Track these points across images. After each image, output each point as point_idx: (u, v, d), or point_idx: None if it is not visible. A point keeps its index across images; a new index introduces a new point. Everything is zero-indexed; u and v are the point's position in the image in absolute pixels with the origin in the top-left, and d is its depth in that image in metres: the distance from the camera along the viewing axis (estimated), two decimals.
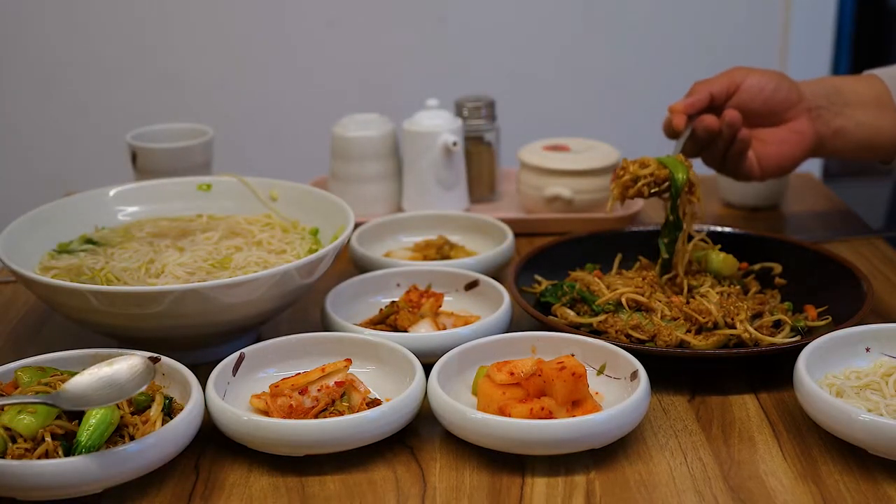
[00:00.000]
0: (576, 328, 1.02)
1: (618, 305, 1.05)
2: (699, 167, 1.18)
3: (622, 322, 1.02)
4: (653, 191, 1.09)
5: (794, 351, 0.95)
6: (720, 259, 1.11)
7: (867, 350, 0.94)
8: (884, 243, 1.30)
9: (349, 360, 0.92)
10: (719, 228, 1.21)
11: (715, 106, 1.16)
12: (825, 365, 0.92)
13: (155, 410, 0.86)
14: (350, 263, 1.20)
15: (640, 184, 1.08)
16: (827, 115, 1.17)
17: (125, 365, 0.82)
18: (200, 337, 1.00)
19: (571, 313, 1.06)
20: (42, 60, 2.37)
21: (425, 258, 1.22)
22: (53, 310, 1.03)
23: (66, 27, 2.35)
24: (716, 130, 1.14)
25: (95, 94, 2.38)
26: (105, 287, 0.95)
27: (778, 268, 1.15)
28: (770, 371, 0.99)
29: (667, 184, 1.08)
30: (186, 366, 0.91)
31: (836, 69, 2.62)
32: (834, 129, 1.17)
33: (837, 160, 1.28)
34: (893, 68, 1.20)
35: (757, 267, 1.16)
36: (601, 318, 1.04)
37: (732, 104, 1.16)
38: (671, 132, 1.17)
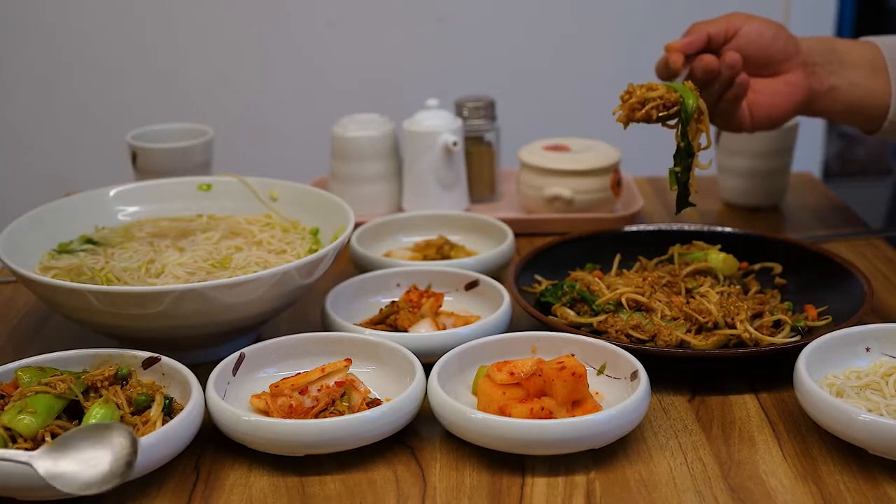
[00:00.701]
0: (576, 328, 1.02)
1: (618, 305, 1.05)
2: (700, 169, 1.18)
3: (622, 322, 1.02)
4: (661, 114, 1.06)
5: (794, 351, 0.95)
6: (720, 259, 1.11)
7: (867, 350, 0.94)
8: (884, 243, 1.30)
9: (349, 360, 0.92)
10: (719, 228, 1.21)
11: (712, 49, 1.14)
12: (825, 365, 0.92)
13: (155, 411, 0.86)
14: (350, 263, 1.20)
15: (648, 106, 1.05)
16: (822, 71, 1.16)
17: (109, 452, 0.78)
18: (201, 337, 1.00)
19: (571, 313, 1.06)
20: (42, 60, 2.37)
21: (425, 258, 1.22)
22: (53, 310, 1.03)
23: (66, 27, 2.35)
24: (715, 71, 1.12)
25: (95, 94, 2.38)
26: (105, 287, 0.95)
27: (778, 268, 1.15)
28: (770, 371, 0.99)
29: (676, 107, 1.05)
30: (187, 366, 0.91)
31: None
32: (827, 87, 1.16)
33: (827, 121, 1.25)
34: (890, 37, 1.19)
35: (757, 267, 1.16)
36: (601, 318, 1.04)
37: (730, 48, 1.14)
38: (666, 72, 1.14)
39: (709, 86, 1.14)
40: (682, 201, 1.09)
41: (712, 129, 1.41)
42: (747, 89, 1.14)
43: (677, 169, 1.07)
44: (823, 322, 1.03)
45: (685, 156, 1.07)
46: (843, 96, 1.16)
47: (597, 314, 1.04)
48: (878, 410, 0.86)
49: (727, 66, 1.12)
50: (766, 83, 1.16)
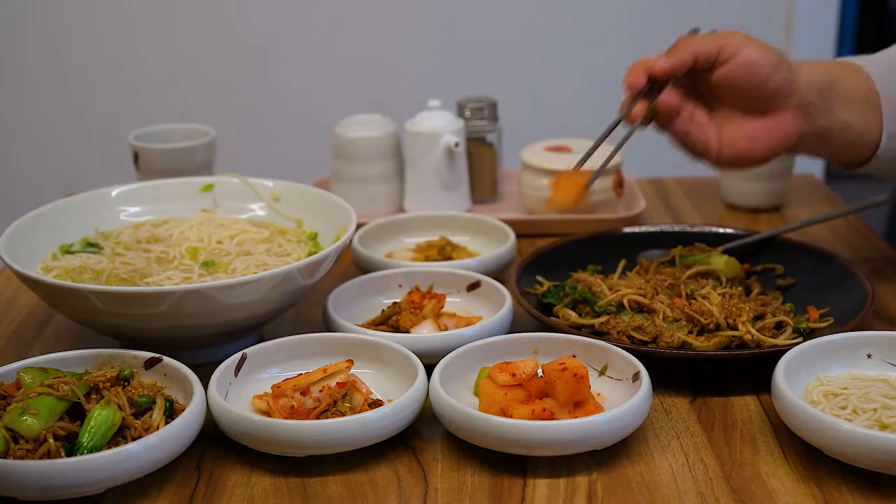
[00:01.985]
0: (577, 329, 1.02)
1: (619, 307, 1.05)
2: (702, 170, 1.18)
3: (624, 323, 1.02)
4: None
5: None
6: (722, 262, 1.11)
7: (868, 356, 0.94)
8: (886, 245, 1.30)
9: (351, 361, 0.92)
10: (721, 229, 1.21)
11: (697, 69, 1.01)
12: (818, 368, 0.92)
13: (157, 413, 0.86)
14: (352, 264, 1.20)
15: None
16: (815, 112, 1.02)
17: None
18: (203, 337, 1.00)
19: (573, 314, 1.06)
20: (44, 60, 2.38)
21: (427, 259, 1.22)
22: (55, 309, 1.03)
23: (68, 27, 2.35)
24: (675, 112, 1.02)
25: (97, 94, 2.38)
26: (107, 287, 0.95)
27: (780, 269, 1.15)
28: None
29: None
30: (188, 366, 0.91)
31: None
32: (817, 129, 1.03)
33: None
34: (886, 55, 1.08)
35: (759, 268, 1.16)
36: (603, 319, 1.04)
37: (719, 75, 1.00)
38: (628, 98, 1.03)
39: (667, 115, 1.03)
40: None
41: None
42: (671, 116, 1.02)
43: None
44: (825, 324, 1.03)
45: None
46: (834, 138, 1.05)
47: (598, 315, 1.04)
48: (846, 417, 0.86)
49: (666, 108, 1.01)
50: (748, 122, 1.02)
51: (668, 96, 1.02)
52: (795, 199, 1.46)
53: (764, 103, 1.01)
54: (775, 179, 1.41)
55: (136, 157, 1.33)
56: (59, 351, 0.93)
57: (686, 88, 1.04)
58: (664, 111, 1.02)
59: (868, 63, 1.07)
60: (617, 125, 1.05)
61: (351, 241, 1.17)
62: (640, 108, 1.02)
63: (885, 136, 1.05)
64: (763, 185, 1.40)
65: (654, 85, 1.02)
